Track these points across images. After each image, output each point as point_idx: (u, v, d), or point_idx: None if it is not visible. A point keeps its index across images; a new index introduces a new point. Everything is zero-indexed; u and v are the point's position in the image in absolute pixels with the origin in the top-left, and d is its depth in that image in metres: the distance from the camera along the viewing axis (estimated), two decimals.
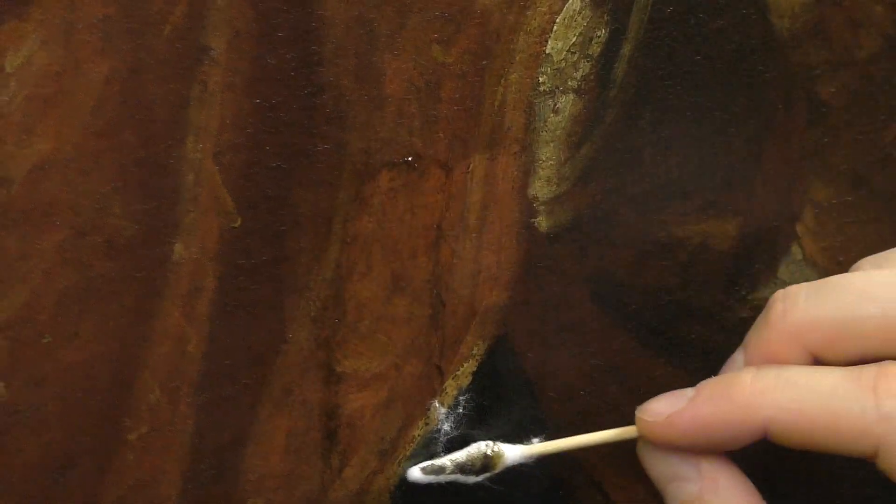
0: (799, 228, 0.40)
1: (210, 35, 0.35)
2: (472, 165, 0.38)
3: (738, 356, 0.35)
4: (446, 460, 0.36)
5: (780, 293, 0.34)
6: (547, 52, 0.38)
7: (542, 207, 0.39)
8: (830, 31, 0.39)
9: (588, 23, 0.38)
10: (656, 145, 0.38)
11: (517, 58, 0.38)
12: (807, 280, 0.38)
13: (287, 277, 0.37)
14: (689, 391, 0.33)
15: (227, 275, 0.36)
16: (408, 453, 0.39)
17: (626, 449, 0.40)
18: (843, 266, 0.39)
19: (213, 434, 0.37)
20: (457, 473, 0.36)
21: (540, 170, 0.38)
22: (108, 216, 0.35)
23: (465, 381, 0.39)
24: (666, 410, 0.33)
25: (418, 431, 0.39)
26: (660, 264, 0.39)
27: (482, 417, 0.39)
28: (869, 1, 0.39)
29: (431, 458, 0.37)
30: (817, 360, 0.32)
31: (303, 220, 0.36)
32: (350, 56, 0.36)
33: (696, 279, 0.40)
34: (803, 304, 0.32)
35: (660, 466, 0.34)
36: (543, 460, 0.38)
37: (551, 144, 0.38)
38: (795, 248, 0.40)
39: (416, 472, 0.36)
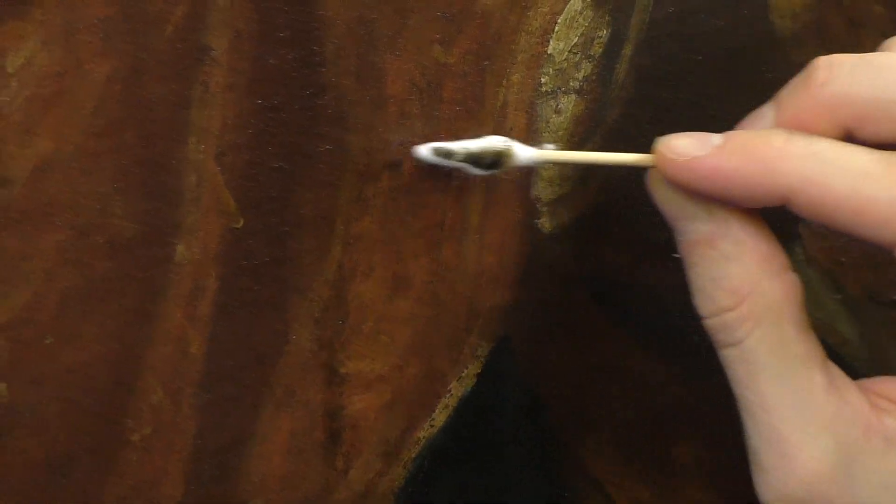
0: (800, 228, 0.40)
1: (211, 35, 0.35)
2: None
3: (767, 111, 0.33)
4: (458, 146, 0.35)
5: (824, 59, 0.32)
6: (548, 52, 0.38)
7: (544, 208, 0.39)
8: (831, 31, 0.39)
9: (589, 23, 0.38)
10: None
11: (519, 58, 0.38)
12: (808, 280, 0.38)
13: (289, 278, 0.37)
14: (716, 137, 0.31)
15: (229, 275, 0.36)
16: (412, 455, 0.39)
17: (626, 448, 0.40)
18: (843, 266, 0.39)
19: (216, 435, 0.37)
20: (465, 162, 0.35)
21: (542, 170, 0.38)
22: (110, 216, 0.35)
23: (470, 383, 0.39)
24: (689, 152, 0.31)
25: (422, 433, 0.39)
26: (660, 265, 0.39)
27: (485, 418, 0.39)
28: (869, 1, 0.39)
29: None
30: (849, 137, 0.31)
31: (305, 220, 0.36)
32: (351, 56, 0.36)
33: None
34: (846, 76, 0.31)
35: (671, 202, 0.32)
36: (546, 462, 0.38)
37: (553, 145, 0.38)
38: (797, 249, 0.40)
39: (425, 151, 0.35)
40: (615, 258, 0.39)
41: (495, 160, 0.35)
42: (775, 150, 0.30)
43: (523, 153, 0.35)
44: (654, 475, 0.40)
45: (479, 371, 0.39)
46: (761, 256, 0.31)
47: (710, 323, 0.31)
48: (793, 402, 0.30)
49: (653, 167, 0.33)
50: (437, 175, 0.38)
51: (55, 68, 0.34)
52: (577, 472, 0.40)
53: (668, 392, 0.40)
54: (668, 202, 0.32)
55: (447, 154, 0.35)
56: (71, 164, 0.34)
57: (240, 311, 0.36)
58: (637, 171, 0.39)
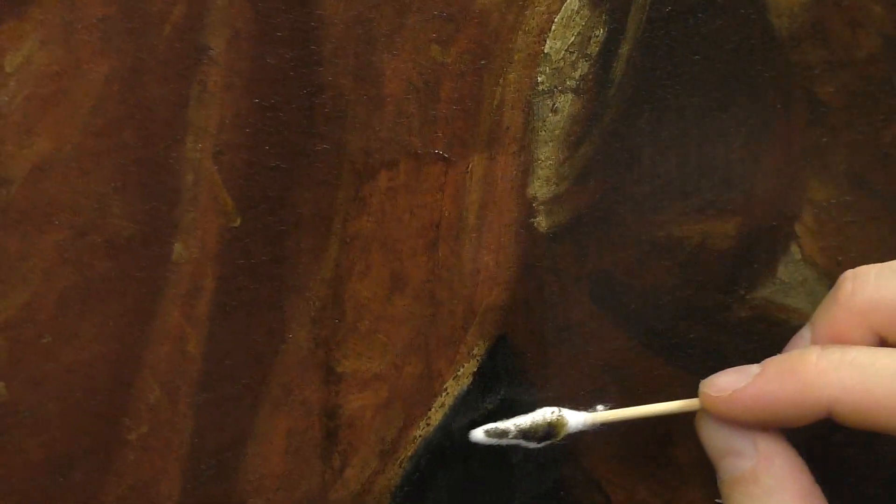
0: (798, 228, 0.40)
1: (209, 35, 0.35)
2: (471, 165, 0.38)
3: (805, 332, 0.35)
4: (510, 424, 0.36)
5: (849, 273, 0.33)
6: (545, 51, 0.38)
7: (541, 207, 0.39)
8: (829, 31, 0.39)
9: (586, 22, 0.38)
10: (655, 145, 0.39)
11: (516, 57, 0.38)
12: (805, 279, 0.38)
13: (287, 277, 0.37)
14: (755, 367, 0.33)
15: (227, 275, 0.36)
16: (409, 454, 0.39)
17: (626, 448, 0.40)
18: (842, 266, 0.39)
19: (213, 434, 0.37)
20: (519, 439, 0.36)
21: (539, 169, 0.38)
22: (108, 216, 0.35)
23: (466, 382, 0.39)
24: (731, 386, 0.33)
25: (419, 432, 0.39)
26: (659, 264, 0.39)
27: (481, 417, 0.39)
28: (868, 1, 0.39)
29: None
30: (883, 342, 0.32)
31: (302, 219, 0.37)
32: (349, 56, 0.36)
33: (696, 279, 0.40)
34: (873, 284, 0.32)
35: (716, 440, 0.33)
36: (543, 459, 0.38)
37: (550, 144, 0.38)
38: (794, 248, 0.40)
39: (479, 434, 0.36)
40: (613, 257, 0.39)
41: (549, 432, 0.36)
42: (812, 365, 0.31)
43: (575, 420, 0.36)
44: (652, 475, 0.40)
45: (476, 370, 0.39)
46: (803, 491, 0.31)
47: None
48: None
49: (700, 410, 0.34)
50: (436, 174, 0.38)
51: (54, 68, 0.34)
52: (575, 471, 0.40)
53: (666, 392, 0.40)
54: (713, 439, 0.33)
55: (501, 434, 0.36)
56: (69, 163, 0.34)
57: (237, 311, 0.36)
58: (634, 169, 0.39)
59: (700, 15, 0.38)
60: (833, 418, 0.31)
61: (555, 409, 0.36)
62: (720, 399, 0.33)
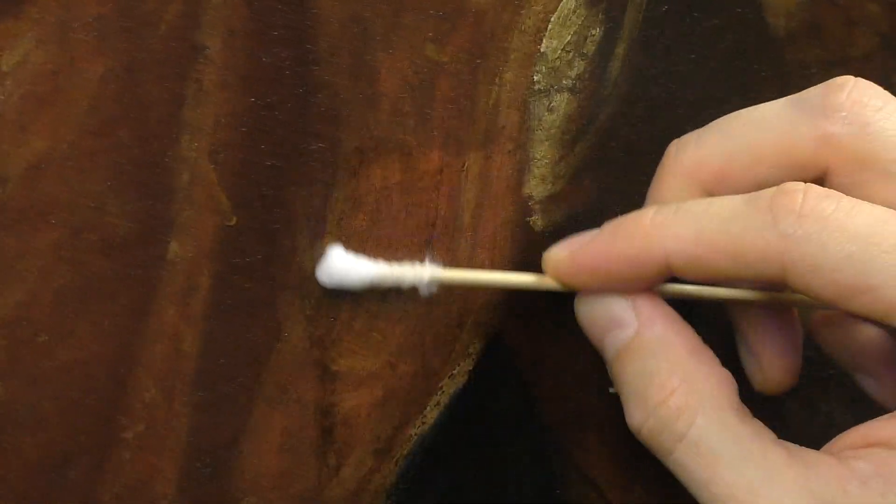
0: None
1: (205, 34, 0.35)
2: (466, 164, 0.38)
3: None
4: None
5: (674, 141, 0.34)
6: (542, 50, 0.38)
7: (536, 206, 0.39)
8: (825, 30, 0.39)
9: (583, 21, 0.38)
10: (651, 144, 0.39)
11: (512, 56, 0.38)
12: None
13: (282, 276, 0.37)
14: (594, 231, 0.32)
15: (222, 273, 0.36)
16: (404, 452, 0.39)
17: (622, 447, 0.40)
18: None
19: (209, 432, 0.37)
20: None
21: (535, 168, 0.38)
22: (104, 215, 0.35)
23: (462, 380, 0.39)
24: (570, 249, 0.32)
25: (415, 430, 0.39)
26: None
27: (477, 416, 0.39)
28: (864, 0, 0.39)
29: None
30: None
31: (297, 218, 0.37)
32: (344, 54, 0.36)
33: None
34: (694, 144, 0.33)
35: (595, 313, 0.32)
36: (539, 460, 0.38)
37: (546, 143, 0.38)
38: None
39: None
40: None
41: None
42: (647, 220, 0.31)
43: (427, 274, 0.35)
44: (648, 474, 0.40)
45: (472, 368, 0.39)
46: (689, 350, 0.31)
47: (648, 427, 0.30)
48: (760, 481, 0.29)
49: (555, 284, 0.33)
50: (431, 173, 0.38)
51: (49, 66, 0.34)
52: (570, 470, 0.40)
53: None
54: (593, 314, 0.33)
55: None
56: (65, 162, 0.34)
57: (233, 309, 0.36)
58: (630, 168, 0.39)
59: (696, 14, 0.38)
60: (676, 274, 0.31)
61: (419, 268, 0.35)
62: (561, 262, 0.32)
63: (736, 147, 0.32)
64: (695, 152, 0.32)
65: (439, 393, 0.39)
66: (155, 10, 0.34)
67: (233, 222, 0.36)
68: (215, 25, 0.35)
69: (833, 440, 0.30)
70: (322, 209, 0.37)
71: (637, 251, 0.31)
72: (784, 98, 0.32)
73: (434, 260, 0.36)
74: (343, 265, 0.35)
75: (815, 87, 0.32)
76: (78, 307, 0.35)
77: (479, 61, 0.37)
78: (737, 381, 0.31)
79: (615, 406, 0.39)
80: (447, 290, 0.38)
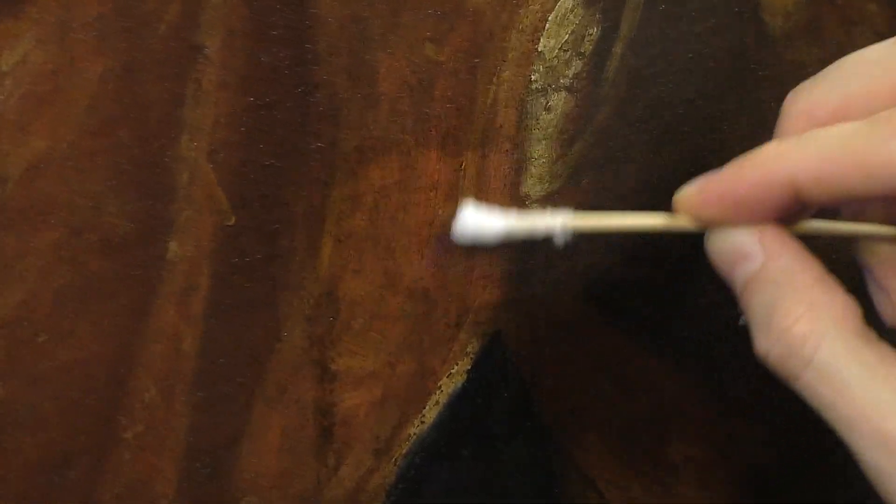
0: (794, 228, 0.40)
1: (204, 34, 0.35)
2: (464, 163, 0.38)
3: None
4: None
5: (790, 92, 0.34)
6: (539, 50, 0.38)
7: (534, 205, 0.39)
8: (823, 30, 0.39)
9: (580, 21, 0.38)
10: (648, 143, 0.39)
11: (509, 56, 0.38)
12: None
13: (281, 275, 0.37)
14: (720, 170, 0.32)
15: (222, 273, 0.36)
16: (403, 452, 0.39)
17: (621, 446, 0.40)
18: (837, 265, 0.39)
19: (208, 432, 0.37)
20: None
21: (532, 167, 0.38)
22: (104, 214, 0.35)
23: (460, 379, 0.39)
24: (698, 184, 0.33)
25: (413, 430, 0.39)
26: (653, 262, 0.39)
27: (475, 415, 0.39)
28: None
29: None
30: None
31: (296, 218, 0.37)
32: (343, 54, 0.36)
33: (690, 278, 0.40)
34: (808, 90, 0.33)
35: (723, 247, 0.33)
36: (538, 459, 0.38)
37: (543, 142, 0.38)
38: None
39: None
40: (606, 256, 0.39)
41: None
42: (772, 149, 0.31)
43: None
44: (646, 473, 0.40)
45: (470, 368, 0.39)
46: (813, 278, 0.31)
47: (775, 354, 0.31)
48: (889, 401, 0.29)
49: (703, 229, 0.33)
50: (429, 172, 0.38)
51: (49, 66, 0.34)
52: (569, 469, 0.40)
53: (658, 389, 0.40)
54: (722, 248, 0.33)
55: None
56: (65, 162, 0.34)
57: (232, 309, 0.36)
58: (627, 167, 0.39)
59: (693, 14, 0.38)
60: (802, 198, 0.31)
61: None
62: (691, 196, 0.32)
63: (851, 88, 0.32)
64: (810, 97, 0.33)
65: (438, 392, 0.39)
66: (154, 10, 0.34)
67: (232, 222, 0.36)
68: (214, 25, 0.35)
69: None
70: (321, 208, 0.37)
71: (764, 176, 0.31)
72: (891, 39, 0.32)
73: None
74: (477, 221, 0.35)
75: None
76: (78, 307, 0.35)
77: (477, 61, 0.37)
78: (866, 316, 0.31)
79: (612, 405, 0.39)
80: (445, 291, 0.38)
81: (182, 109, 0.35)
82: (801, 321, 0.30)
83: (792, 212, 0.32)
